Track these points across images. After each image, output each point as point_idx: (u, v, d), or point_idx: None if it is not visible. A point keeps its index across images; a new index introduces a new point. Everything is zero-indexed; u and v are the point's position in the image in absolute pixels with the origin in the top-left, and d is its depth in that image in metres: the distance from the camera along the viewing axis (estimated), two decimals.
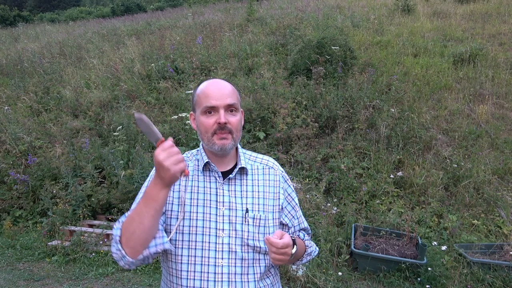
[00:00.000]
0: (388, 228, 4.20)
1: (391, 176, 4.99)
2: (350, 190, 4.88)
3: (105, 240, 4.57)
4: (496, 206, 4.66)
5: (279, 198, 1.46)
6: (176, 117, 6.06)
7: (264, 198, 1.43)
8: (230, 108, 1.34)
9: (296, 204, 1.54)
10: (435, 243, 4.04)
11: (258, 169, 1.48)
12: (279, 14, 11.02)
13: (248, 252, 1.36)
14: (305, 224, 1.57)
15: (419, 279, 3.67)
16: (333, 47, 6.86)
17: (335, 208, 4.53)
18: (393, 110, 5.89)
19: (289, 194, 1.51)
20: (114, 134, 5.92)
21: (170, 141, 1.16)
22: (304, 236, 1.55)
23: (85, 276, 4.05)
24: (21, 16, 29.01)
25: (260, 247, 1.37)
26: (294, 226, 1.52)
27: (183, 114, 5.83)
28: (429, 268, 3.65)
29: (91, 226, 4.84)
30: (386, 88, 6.59)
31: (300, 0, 13.05)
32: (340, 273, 3.80)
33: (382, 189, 4.84)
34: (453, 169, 5.05)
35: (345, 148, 5.38)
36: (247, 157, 1.50)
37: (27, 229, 5.07)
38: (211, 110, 1.33)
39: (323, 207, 4.54)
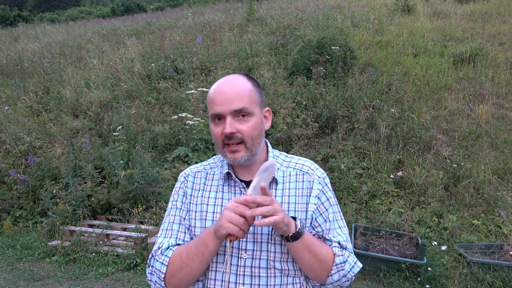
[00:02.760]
0: (388, 228, 4.20)
1: (391, 176, 4.99)
2: (350, 190, 4.88)
3: (105, 240, 4.57)
4: (496, 206, 4.66)
5: (307, 210, 1.24)
6: (176, 117, 6.06)
7: (295, 210, 1.23)
8: (240, 114, 1.16)
9: (331, 214, 1.27)
10: (435, 243, 4.04)
11: (290, 175, 1.28)
12: (279, 14, 11.01)
13: (275, 276, 1.18)
14: (341, 237, 1.26)
15: (419, 279, 3.67)
16: (333, 47, 6.85)
17: None
18: (393, 110, 5.89)
19: (322, 203, 1.26)
20: (114, 134, 5.92)
21: (245, 198, 1.05)
22: (331, 243, 1.24)
23: (85, 276, 4.05)
24: (21, 16, 29.06)
25: (289, 269, 1.20)
26: (322, 236, 1.27)
27: (183, 114, 5.82)
28: (429, 268, 3.65)
29: (91, 226, 4.85)
30: (386, 88, 6.58)
31: (300, 0, 13.04)
32: None
33: (382, 189, 4.84)
34: (453, 169, 5.05)
35: (345, 148, 5.38)
36: (280, 162, 1.30)
37: (27, 229, 5.08)
38: (217, 117, 1.18)
39: None
